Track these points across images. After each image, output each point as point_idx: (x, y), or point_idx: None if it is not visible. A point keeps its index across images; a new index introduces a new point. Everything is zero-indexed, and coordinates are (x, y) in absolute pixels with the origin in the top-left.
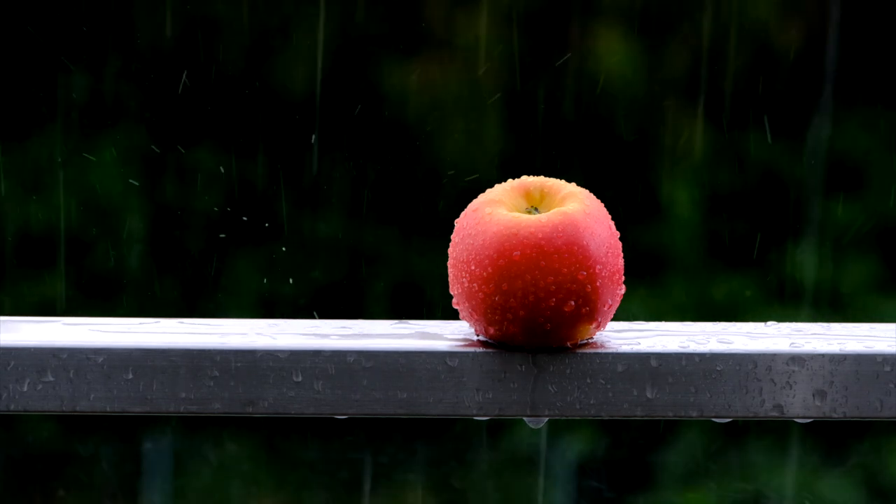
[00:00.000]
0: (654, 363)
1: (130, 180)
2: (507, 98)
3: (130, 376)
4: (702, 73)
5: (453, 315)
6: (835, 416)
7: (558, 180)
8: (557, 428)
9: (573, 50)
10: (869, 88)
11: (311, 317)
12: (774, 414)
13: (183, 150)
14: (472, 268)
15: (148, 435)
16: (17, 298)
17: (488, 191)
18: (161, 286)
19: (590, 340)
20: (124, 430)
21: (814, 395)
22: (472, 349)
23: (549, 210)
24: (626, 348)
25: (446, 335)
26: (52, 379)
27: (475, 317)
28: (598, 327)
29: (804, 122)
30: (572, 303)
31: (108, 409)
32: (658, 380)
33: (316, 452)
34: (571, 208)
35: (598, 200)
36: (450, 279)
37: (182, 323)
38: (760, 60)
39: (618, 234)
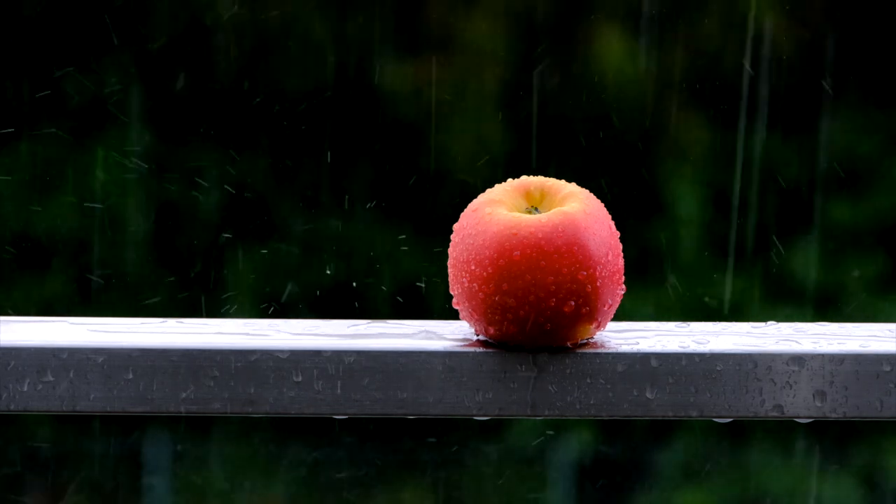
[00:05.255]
0: (654, 363)
1: (131, 180)
2: (507, 98)
3: (130, 376)
4: (702, 71)
5: (453, 315)
6: (835, 416)
7: (558, 180)
8: (557, 428)
9: (574, 49)
10: (870, 87)
11: (312, 317)
12: (774, 414)
13: (183, 150)
14: (472, 268)
15: (148, 435)
16: (17, 298)
17: (488, 191)
18: (161, 286)
19: (590, 340)
20: (124, 430)
21: (814, 395)
22: (472, 349)
23: (549, 210)
24: (626, 348)
25: (446, 335)
26: (52, 379)
27: (475, 317)
28: (598, 327)
29: (805, 121)
30: (572, 303)
31: (108, 409)
32: (658, 380)
33: (316, 452)
34: (571, 208)
35: (598, 200)
36: (450, 279)
37: (182, 323)
38: (761, 59)
39: (618, 233)
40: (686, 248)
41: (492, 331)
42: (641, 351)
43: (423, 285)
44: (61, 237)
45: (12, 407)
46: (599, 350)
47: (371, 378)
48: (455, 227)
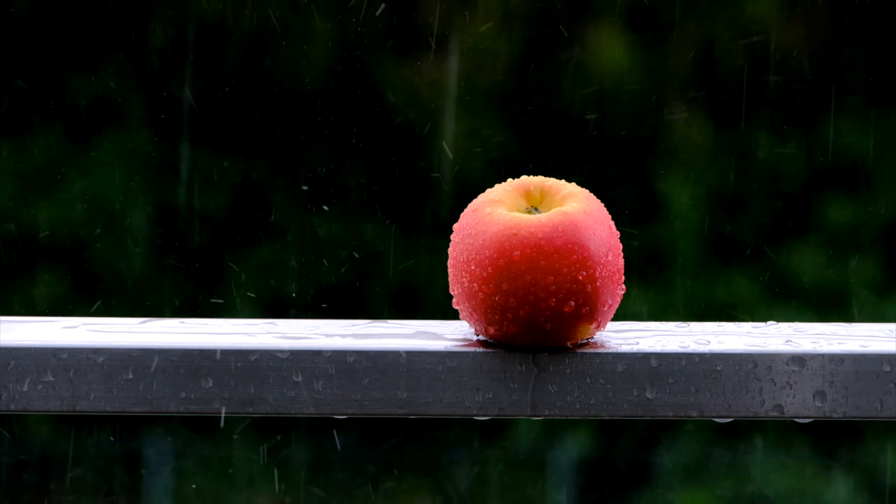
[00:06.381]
0: (654, 363)
1: (131, 180)
2: (507, 97)
3: (130, 376)
4: (702, 71)
5: (453, 315)
6: (835, 416)
7: (558, 180)
8: (557, 428)
9: (573, 49)
10: (870, 87)
11: (312, 317)
12: (774, 414)
13: (184, 150)
14: (472, 268)
15: (148, 435)
16: (16, 298)
17: (488, 191)
18: (162, 286)
19: (590, 340)
20: (124, 430)
21: (814, 396)
22: (472, 349)
23: (549, 210)
24: (626, 348)
25: (446, 335)
26: (52, 379)
27: (475, 317)
28: (598, 327)
29: (804, 121)
30: (572, 303)
31: (108, 409)
32: (658, 380)
33: (316, 452)
34: (571, 208)
35: (598, 200)
36: (450, 279)
37: (182, 323)
38: (761, 59)
39: (618, 234)
40: (686, 249)
41: (492, 331)
42: (641, 351)
43: (422, 285)
44: (61, 237)
45: (12, 407)
46: (599, 350)
47: (371, 378)
48: (455, 227)
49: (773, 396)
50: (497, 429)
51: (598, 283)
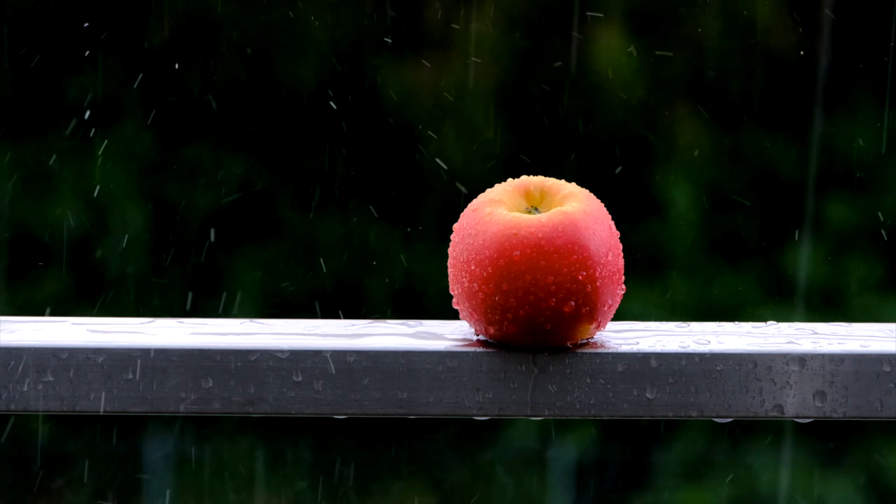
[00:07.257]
0: (654, 363)
1: (130, 180)
2: (506, 97)
3: (130, 376)
4: (701, 72)
5: (453, 315)
6: (835, 416)
7: (558, 180)
8: (557, 428)
9: (573, 49)
10: (869, 87)
11: (312, 316)
12: (774, 414)
13: (183, 150)
14: (472, 268)
15: (148, 435)
16: (17, 298)
17: (488, 190)
18: (161, 286)
19: (590, 340)
20: (124, 430)
21: (814, 396)
22: (472, 349)
23: (549, 210)
24: (626, 348)
25: (446, 335)
26: (52, 379)
27: (475, 317)
28: (598, 327)
29: (804, 121)
30: (572, 303)
31: (108, 409)
32: (658, 380)
33: (315, 452)
34: (571, 208)
35: (598, 200)
36: (450, 279)
37: (182, 323)
38: (760, 59)
39: (618, 233)
40: (686, 249)
41: (492, 331)
42: (641, 351)
43: (422, 285)
44: (61, 237)
45: (12, 407)
46: (599, 350)
47: (371, 378)
48: (455, 227)
49: (773, 396)
50: (497, 428)
51: (598, 283)
